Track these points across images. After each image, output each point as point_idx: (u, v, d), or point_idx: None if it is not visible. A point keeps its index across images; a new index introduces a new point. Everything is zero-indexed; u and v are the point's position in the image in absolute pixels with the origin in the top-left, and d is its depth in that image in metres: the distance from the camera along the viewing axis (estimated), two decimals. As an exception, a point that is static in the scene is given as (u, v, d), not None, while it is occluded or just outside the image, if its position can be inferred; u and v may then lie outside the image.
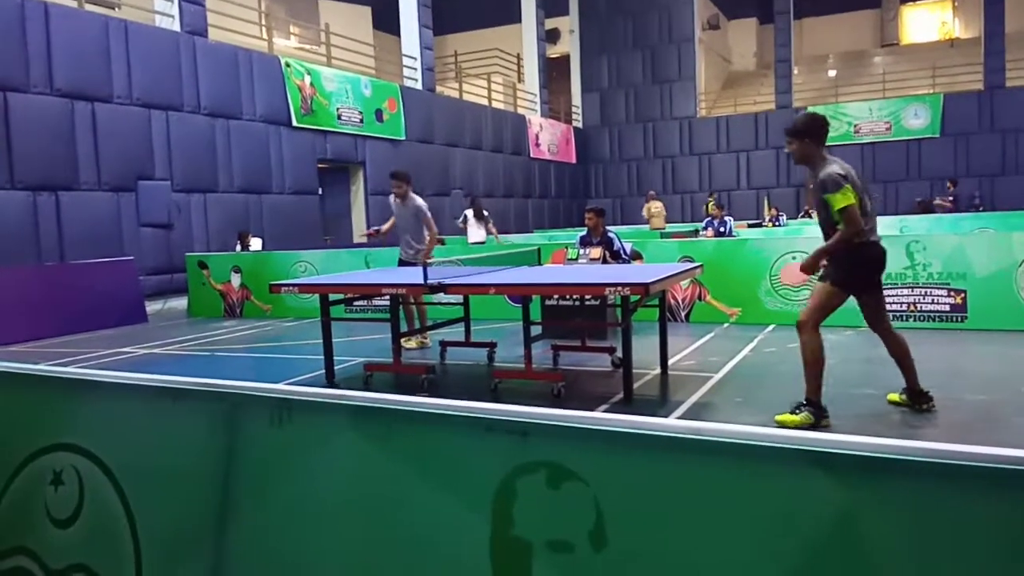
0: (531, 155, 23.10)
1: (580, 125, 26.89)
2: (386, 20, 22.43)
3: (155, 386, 1.98)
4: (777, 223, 17.28)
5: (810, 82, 27.18)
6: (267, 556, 1.77)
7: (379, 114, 16.68)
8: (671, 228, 16.93)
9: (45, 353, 8.28)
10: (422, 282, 5.40)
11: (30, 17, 10.32)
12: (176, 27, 12.56)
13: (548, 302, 7.78)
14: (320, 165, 15.40)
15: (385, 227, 8.28)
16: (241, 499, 1.81)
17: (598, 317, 7.57)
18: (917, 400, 4.79)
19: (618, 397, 5.35)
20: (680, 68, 25.64)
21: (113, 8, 13.06)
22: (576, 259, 7.64)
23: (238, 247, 12.72)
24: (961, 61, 24.82)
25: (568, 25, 26.86)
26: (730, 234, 12.61)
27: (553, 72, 26.52)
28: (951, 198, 18.18)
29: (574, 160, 25.95)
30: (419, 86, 18.40)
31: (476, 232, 14.44)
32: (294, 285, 6.45)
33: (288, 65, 14.48)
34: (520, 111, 23.78)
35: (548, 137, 24.22)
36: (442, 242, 13.54)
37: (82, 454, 2.03)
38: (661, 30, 25.84)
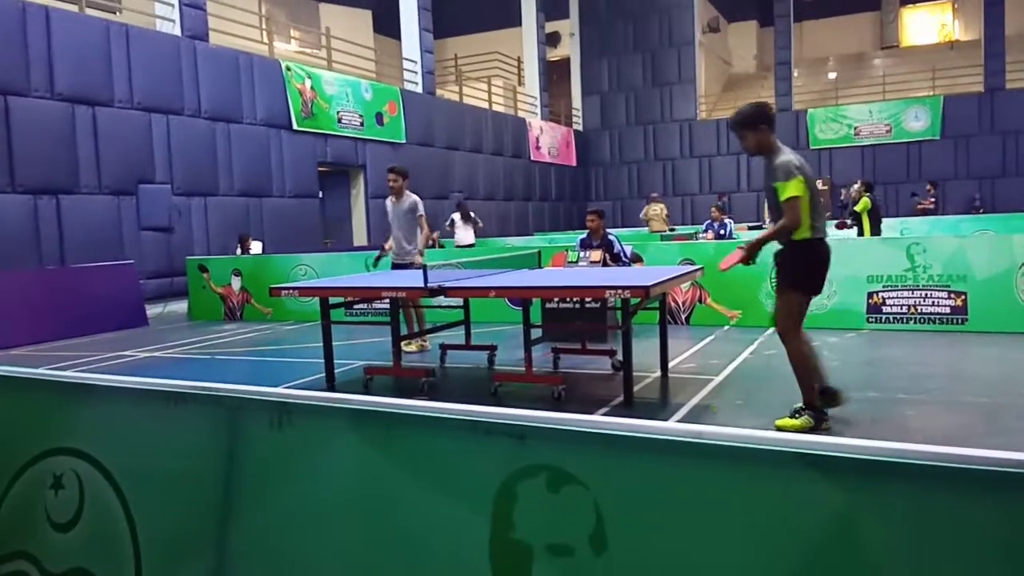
0: (531, 158, 23.12)
1: (580, 128, 26.90)
2: (386, 24, 22.46)
3: (155, 390, 1.98)
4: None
5: (810, 84, 27.20)
6: (268, 559, 1.77)
7: (379, 117, 16.70)
8: (680, 230, 16.92)
9: (45, 357, 8.28)
10: (422, 285, 5.41)
11: (31, 21, 10.34)
12: (177, 31, 12.58)
13: (548, 305, 7.78)
14: (320, 168, 15.42)
15: (388, 244, 8.20)
16: (241, 503, 1.81)
17: (598, 320, 7.57)
18: (816, 417, 4.53)
19: (618, 400, 5.35)
20: (680, 71, 25.67)
21: (114, 12, 13.10)
22: (576, 262, 7.64)
23: (238, 250, 12.72)
24: (961, 63, 24.84)
25: (568, 28, 26.89)
26: (730, 236, 12.62)
27: (553, 75, 26.55)
28: (932, 199, 18.29)
29: (574, 163, 25.96)
30: (419, 89, 18.42)
31: (464, 234, 14.47)
32: (294, 288, 6.45)
33: (289, 69, 14.50)
34: (520, 114, 23.80)
35: (548, 140, 24.24)
36: (440, 245, 13.55)
37: (82, 458, 2.04)
38: (661, 33, 25.87)
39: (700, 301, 8.92)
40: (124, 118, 11.46)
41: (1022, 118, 21.47)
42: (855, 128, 23.25)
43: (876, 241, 8.86)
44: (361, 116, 16.14)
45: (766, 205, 4.62)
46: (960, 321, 7.73)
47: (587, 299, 6.84)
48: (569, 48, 27.15)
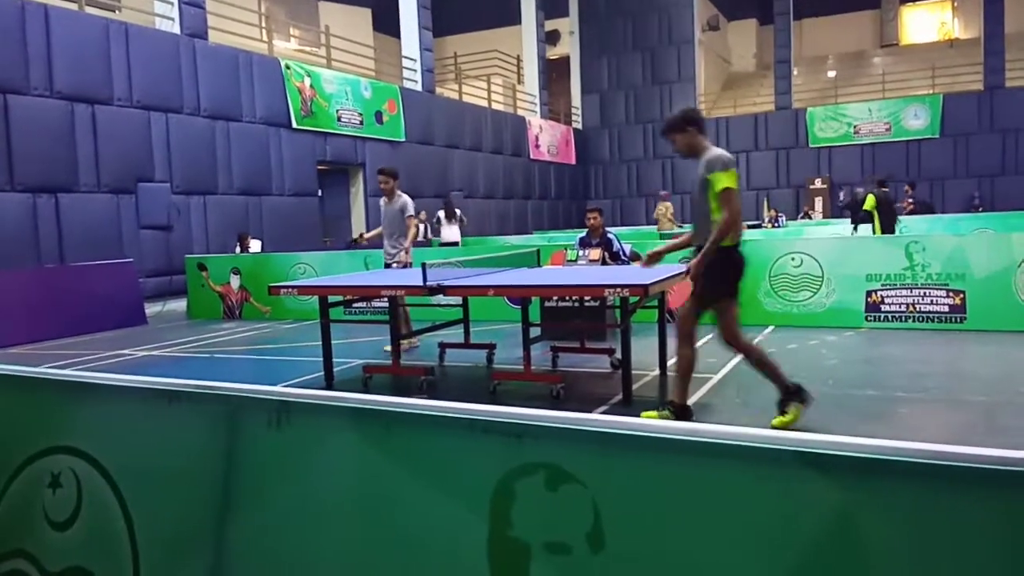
0: (531, 156, 23.11)
1: (580, 126, 26.90)
2: (386, 22, 22.45)
3: (154, 388, 1.98)
4: (777, 224, 17.29)
5: (810, 83, 27.20)
6: (266, 557, 1.77)
7: (379, 116, 16.69)
8: (680, 230, 16.89)
9: (44, 355, 8.28)
10: (421, 284, 5.40)
11: (30, 19, 10.33)
12: (176, 29, 12.56)
13: (547, 303, 7.77)
14: (320, 167, 15.41)
15: (369, 234, 8.32)
16: (240, 501, 1.81)
17: (597, 318, 7.56)
18: (680, 417, 4.51)
19: (617, 398, 5.35)
20: (680, 69, 25.66)
21: (113, 11, 13.08)
22: (575, 260, 7.64)
23: (237, 249, 12.72)
24: (961, 61, 24.84)
25: (568, 26, 26.88)
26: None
27: (553, 73, 26.54)
28: (910, 200, 18.35)
29: (574, 161, 25.96)
30: (419, 88, 18.41)
31: (448, 232, 14.47)
32: (293, 287, 6.45)
33: (288, 67, 14.49)
34: (520, 112, 23.79)
35: (548, 138, 24.23)
36: (428, 239, 13.57)
37: (80, 457, 2.03)
38: (661, 31, 25.85)
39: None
40: (123, 116, 11.45)
41: (1021, 116, 21.47)
42: (855, 126, 23.25)
43: (875, 239, 8.85)
44: (360, 114, 16.13)
45: (694, 214, 4.60)
46: (959, 320, 7.74)
47: (586, 298, 6.84)
48: (569, 46, 27.14)
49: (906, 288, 7.96)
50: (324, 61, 16.94)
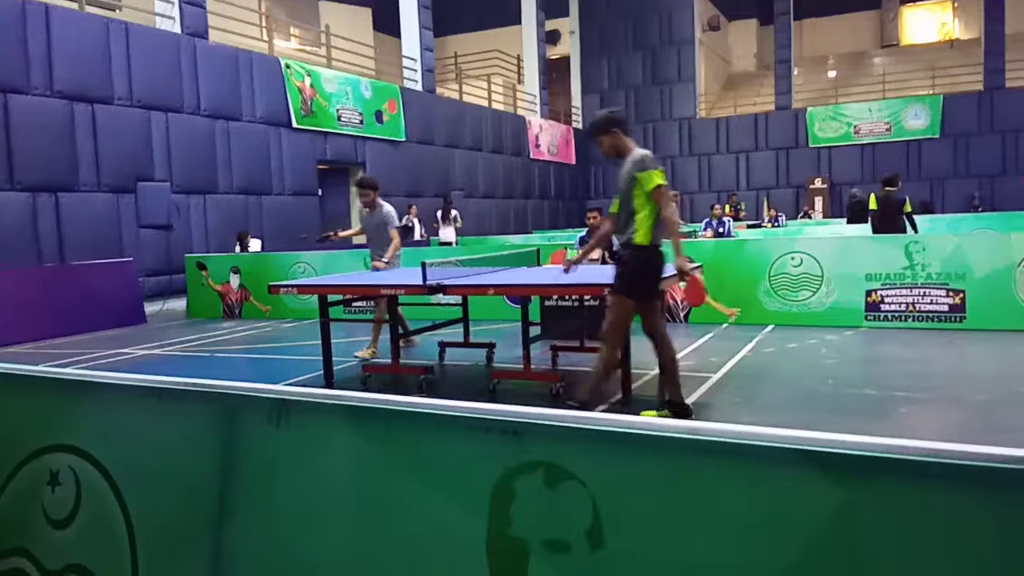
0: (531, 156, 23.11)
1: (580, 126, 26.90)
2: (386, 21, 22.45)
3: (153, 387, 1.98)
4: (776, 224, 17.29)
5: (810, 83, 27.20)
6: (265, 556, 1.77)
7: (379, 115, 16.69)
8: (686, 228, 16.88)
9: (44, 354, 8.28)
10: (421, 283, 5.40)
11: (31, 18, 10.33)
12: (176, 29, 12.56)
13: (547, 303, 7.77)
14: (320, 166, 15.41)
15: (344, 232, 8.28)
16: (239, 499, 1.81)
17: (597, 318, 7.55)
18: (680, 416, 4.60)
19: (617, 397, 5.35)
20: (680, 69, 25.66)
21: (114, 10, 13.08)
22: (575, 260, 7.62)
23: (237, 248, 12.72)
24: (961, 62, 24.85)
25: (568, 26, 26.88)
26: (729, 235, 12.62)
27: (553, 73, 26.54)
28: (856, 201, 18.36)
29: (574, 161, 25.96)
30: (419, 87, 18.41)
31: (444, 232, 14.46)
32: (293, 286, 6.46)
33: (288, 66, 14.49)
34: (520, 112, 23.79)
35: (548, 138, 24.24)
36: (427, 242, 13.56)
37: (79, 455, 2.03)
38: (661, 31, 25.86)
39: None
40: (123, 115, 11.45)
41: (1021, 117, 21.48)
42: (855, 127, 23.25)
43: (874, 239, 8.84)
44: (361, 114, 16.13)
45: (630, 214, 4.57)
46: (958, 319, 7.74)
47: (586, 297, 6.84)
48: (569, 46, 27.14)
49: (906, 287, 7.96)
50: (324, 61, 16.94)
